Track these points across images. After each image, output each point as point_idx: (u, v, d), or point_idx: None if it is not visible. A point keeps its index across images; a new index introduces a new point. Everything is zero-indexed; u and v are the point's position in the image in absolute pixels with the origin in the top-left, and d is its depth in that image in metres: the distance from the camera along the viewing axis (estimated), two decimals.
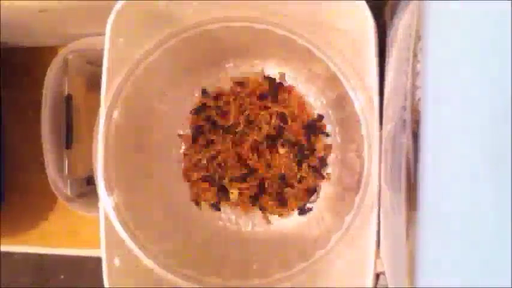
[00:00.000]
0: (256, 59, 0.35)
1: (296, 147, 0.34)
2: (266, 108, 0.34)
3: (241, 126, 0.34)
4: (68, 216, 0.43)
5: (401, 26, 0.24)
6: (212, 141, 0.35)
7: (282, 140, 0.34)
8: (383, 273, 0.27)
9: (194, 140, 0.35)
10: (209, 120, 0.35)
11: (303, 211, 0.34)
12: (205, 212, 0.35)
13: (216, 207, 0.35)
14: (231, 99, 0.35)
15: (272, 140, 0.34)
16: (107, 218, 0.29)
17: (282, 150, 0.34)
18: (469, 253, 0.16)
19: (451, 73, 0.17)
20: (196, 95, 0.36)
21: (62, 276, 0.50)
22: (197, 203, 0.35)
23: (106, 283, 0.29)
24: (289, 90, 0.35)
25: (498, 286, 0.16)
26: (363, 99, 0.27)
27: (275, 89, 0.34)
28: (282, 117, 0.34)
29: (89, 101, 0.42)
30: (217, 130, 0.35)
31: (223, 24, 0.29)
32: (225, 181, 0.34)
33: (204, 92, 0.35)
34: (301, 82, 0.34)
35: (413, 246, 0.17)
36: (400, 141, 0.21)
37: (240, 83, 0.35)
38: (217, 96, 0.35)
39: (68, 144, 0.40)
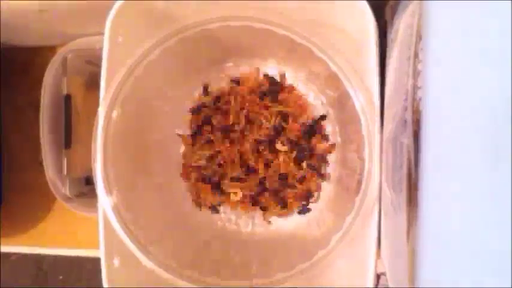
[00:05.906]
0: (256, 58, 0.35)
1: (296, 147, 0.34)
2: (266, 107, 0.34)
3: (241, 125, 0.34)
4: (67, 216, 0.42)
5: (402, 26, 0.24)
6: (212, 141, 0.35)
7: (282, 140, 0.34)
8: (384, 273, 0.27)
9: (194, 140, 0.35)
10: (208, 119, 0.35)
11: (303, 211, 0.34)
12: (205, 212, 0.35)
13: (215, 207, 0.35)
14: (231, 99, 0.34)
15: (272, 140, 0.34)
16: (106, 218, 0.29)
17: (282, 150, 0.34)
18: (469, 253, 0.16)
19: (451, 73, 0.17)
20: (196, 94, 0.36)
21: (61, 277, 0.49)
22: (198, 204, 0.35)
23: (105, 283, 0.29)
24: (290, 89, 0.34)
25: (498, 286, 0.16)
26: (363, 99, 0.27)
27: (275, 88, 0.34)
28: (283, 116, 0.34)
29: (88, 101, 0.41)
30: (216, 130, 0.35)
31: (222, 24, 0.29)
32: (225, 181, 0.34)
33: (205, 89, 0.35)
34: (301, 82, 0.34)
35: (414, 246, 0.17)
36: (401, 141, 0.21)
37: (237, 81, 0.35)
38: (217, 96, 0.35)
39: (67, 144, 0.40)
